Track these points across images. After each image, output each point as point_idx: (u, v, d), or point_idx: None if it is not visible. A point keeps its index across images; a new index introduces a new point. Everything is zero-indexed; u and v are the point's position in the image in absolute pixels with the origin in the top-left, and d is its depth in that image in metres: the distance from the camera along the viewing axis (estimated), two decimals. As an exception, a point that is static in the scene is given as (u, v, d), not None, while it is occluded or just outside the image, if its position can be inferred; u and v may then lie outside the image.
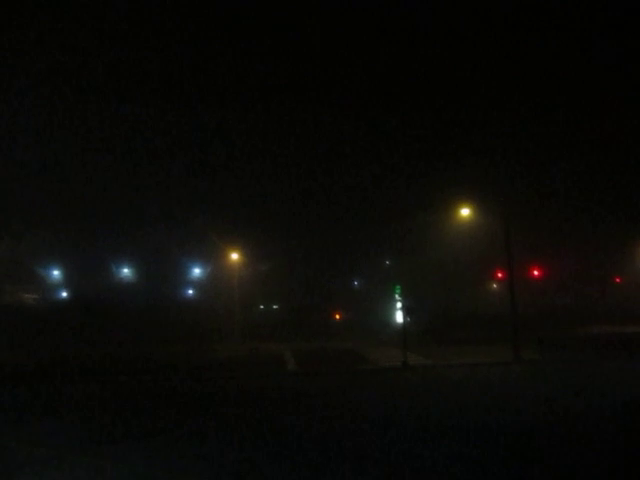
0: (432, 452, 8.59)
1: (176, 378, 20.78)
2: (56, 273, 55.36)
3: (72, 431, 11.41)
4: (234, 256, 41.05)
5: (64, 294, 55.05)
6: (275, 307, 55.50)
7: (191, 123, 55.74)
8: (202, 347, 34.59)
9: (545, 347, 25.35)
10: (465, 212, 27.38)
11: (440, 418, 11.41)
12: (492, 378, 19.26)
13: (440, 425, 10.68)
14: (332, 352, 28.57)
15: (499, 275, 38.39)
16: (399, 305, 42.72)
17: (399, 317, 42.75)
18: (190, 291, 54.68)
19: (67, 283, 54.75)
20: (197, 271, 53.92)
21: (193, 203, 52.18)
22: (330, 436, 9.98)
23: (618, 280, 47.58)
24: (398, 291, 42.49)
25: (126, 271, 54.33)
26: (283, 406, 14.28)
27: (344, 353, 28.40)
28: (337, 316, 44.60)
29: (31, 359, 27.22)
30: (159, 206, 53.50)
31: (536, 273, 35.16)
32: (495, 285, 47.87)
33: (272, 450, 9.13)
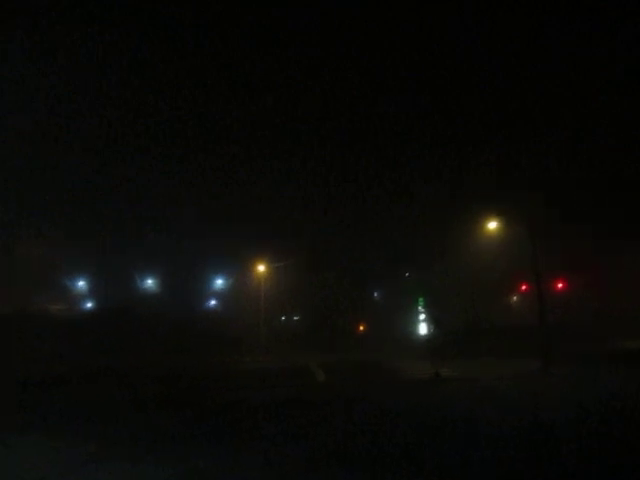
0: (488, 456, 8.92)
1: (215, 388, 21.20)
2: (81, 284, 56.38)
3: (128, 433, 11.86)
4: (260, 268, 41.51)
5: (89, 304, 56.01)
6: (296, 318, 55.96)
7: (219, 138, 56.71)
8: (228, 358, 35.09)
9: (574, 360, 25.36)
10: (492, 225, 27.61)
11: (487, 427, 11.69)
12: (525, 390, 19.36)
13: (489, 433, 10.97)
14: (358, 363, 28.81)
15: (523, 288, 38.48)
16: (422, 317, 43.21)
17: (423, 329, 43.19)
18: (213, 302, 55.37)
19: (92, 294, 55.74)
20: (220, 282, 54.59)
21: (216, 215, 52.87)
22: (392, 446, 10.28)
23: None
24: (422, 303, 42.97)
25: (150, 282, 55.16)
26: (326, 415, 14.59)
27: (371, 364, 28.63)
28: (360, 328, 44.85)
29: (64, 367, 27.87)
30: (183, 217, 54.33)
31: (560, 286, 35.28)
32: (515, 298, 47.84)
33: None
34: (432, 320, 29.25)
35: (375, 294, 53.24)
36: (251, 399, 18.47)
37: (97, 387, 21.79)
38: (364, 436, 11.16)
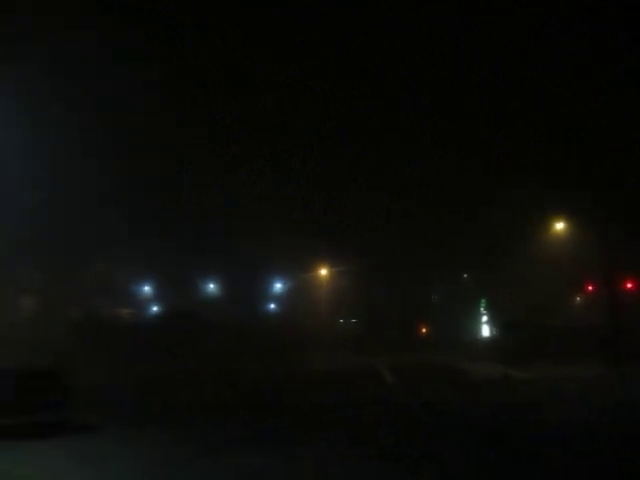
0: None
1: (290, 391, 21.93)
2: (147, 289, 58.67)
3: (219, 432, 12.67)
4: (322, 272, 42.17)
5: (155, 309, 58.19)
6: (354, 321, 56.38)
7: (277, 139, 57.73)
8: (294, 360, 35.90)
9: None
10: (559, 226, 27.34)
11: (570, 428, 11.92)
12: (597, 391, 19.25)
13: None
14: (425, 365, 29.01)
15: (589, 288, 37.69)
16: (485, 318, 42.91)
17: (485, 330, 42.88)
18: (272, 305, 56.44)
19: (157, 298, 57.90)
20: (278, 286, 55.59)
21: (276, 218, 53.81)
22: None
23: None
24: (484, 305, 42.69)
25: (212, 286, 56.79)
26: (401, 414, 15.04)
27: (437, 366, 28.77)
28: (423, 330, 44.87)
29: (144, 370, 29.31)
30: (242, 222, 55.68)
31: (630, 286, 34.37)
32: (579, 298, 46.71)
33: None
34: (500, 322, 29.02)
35: (434, 296, 53.00)
36: (327, 401, 19.12)
37: (187, 390, 22.92)
38: (448, 437, 11.56)
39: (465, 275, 50.90)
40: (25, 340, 45.72)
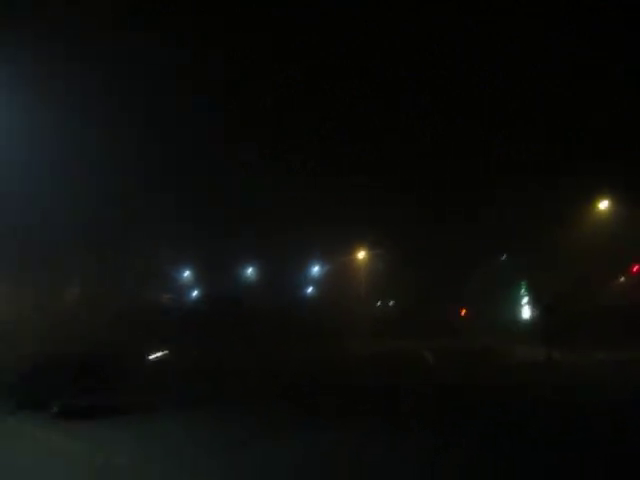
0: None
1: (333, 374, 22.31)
2: (187, 274, 60.02)
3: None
4: (360, 254, 42.32)
5: (194, 294, 59.54)
6: (391, 304, 56.53)
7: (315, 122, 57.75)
8: (333, 345, 36.36)
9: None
10: (603, 205, 26.78)
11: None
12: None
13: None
14: (466, 347, 29.04)
15: (634, 269, 36.88)
16: (525, 300, 42.36)
17: (526, 312, 42.36)
18: (310, 289, 57.01)
19: (197, 283, 59.20)
20: (316, 269, 56.04)
21: (314, 202, 54.01)
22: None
23: None
24: (524, 286, 42.13)
25: (250, 270, 57.67)
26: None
27: (478, 348, 28.75)
28: (462, 313, 44.68)
29: (190, 355, 30.15)
30: (280, 206, 56.15)
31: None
32: (623, 279, 45.61)
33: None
34: (542, 304, 28.69)
35: (473, 278, 52.47)
36: (370, 384, 19.45)
37: (235, 374, 23.57)
38: (498, 420, 11.72)
39: (504, 257, 50.30)
40: (71, 326, 47.51)
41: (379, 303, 54.85)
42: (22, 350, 36.36)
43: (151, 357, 27.27)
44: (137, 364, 15.49)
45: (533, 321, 38.90)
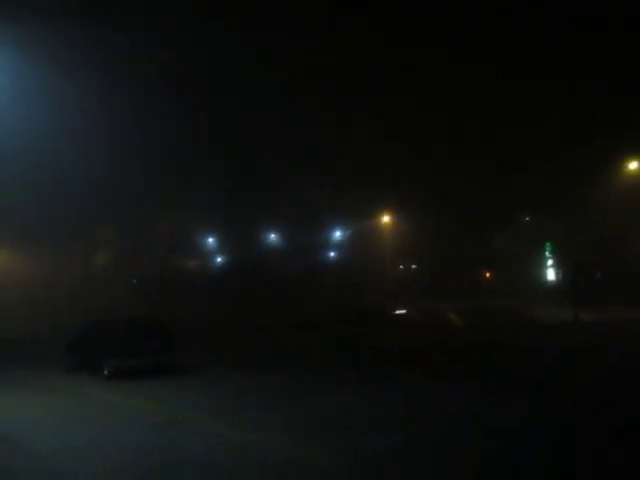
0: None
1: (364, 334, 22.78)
2: (211, 240, 60.79)
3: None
4: (383, 219, 42.42)
5: (219, 260, 60.42)
6: (414, 267, 56.84)
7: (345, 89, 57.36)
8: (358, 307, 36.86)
9: None
10: (633, 165, 26.43)
11: None
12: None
13: None
14: (492, 309, 29.21)
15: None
16: (550, 262, 42.31)
17: (551, 274, 42.37)
18: (332, 253, 57.42)
19: (221, 250, 59.99)
20: (338, 234, 56.31)
21: (338, 166, 54.07)
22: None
23: None
24: (549, 249, 41.99)
25: (273, 236, 58.17)
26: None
27: (504, 310, 28.90)
28: (487, 275, 44.79)
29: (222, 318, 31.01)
30: (303, 172, 56.27)
31: None
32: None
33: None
34: (569, 264, 28.63)
35: (497, 240, 52.35)
36: (399, 343, 19.91)
37: (268, 335, 24.31)
38: (518, 377, 12.05)
39: (527, 218, 49.98)
40: (102, 292, 48.84)
41: (401, 266, 55.12)
42: (64, 316, 37.66)
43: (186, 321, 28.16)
44: (177, 327, 16.06)
45: (558, 282, 38.86)
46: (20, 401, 11.43)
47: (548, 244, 40.60)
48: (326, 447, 7.28)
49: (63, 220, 49.64)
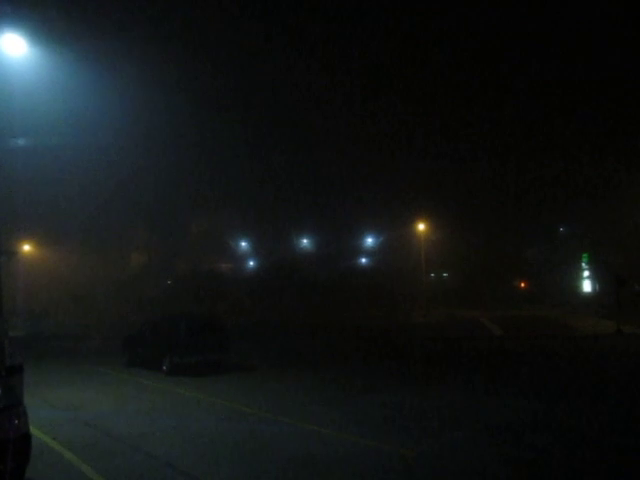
0: None
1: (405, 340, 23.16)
2: (244, 244, 61.75)
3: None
4: (417, 226, 42.64)
5: (251, 263, 61.30)
6: (445, 275, 56.76)
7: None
8: (395, 313, 37.23)
9: None
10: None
11: None
12: None
13: None
14: (530, 319, 29.22)
15: None
16: (587, 273, 41.95)
17: (587, 285, 42.01)
18: (363, 259, 57.79)
19: (254, 253, 60.88)
20: (370, 240, 56.66)
21: (369, 175, 54.53)
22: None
23: None
24: (586, 259, 41.66)
25: (305, 241, 58.81)
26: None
27: (543, 320, 28.91)
28: (522, 284, 44.56)
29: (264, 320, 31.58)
30: (335, 180, 56.80)
31: None
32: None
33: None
34: (608, 276, 28.45)
35: (532, 250, 52.03)
36: (439, 349, 20.23)
37: (312, 337, 24.82)
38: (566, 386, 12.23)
39: (561, 229, 49.62)
40: (138, 292, 50.04)
41: (432, 275, 55.11)
42: (104, 314, 38.69)
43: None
44: (225, 326, 16.61)
45: (595, 294, 38.51)
46: (92, 394, 12.09)
47: (585, 255, 40.30)
48: (397, 439, 7.71)
49: (103, 222, 51.08)
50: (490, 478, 6.21)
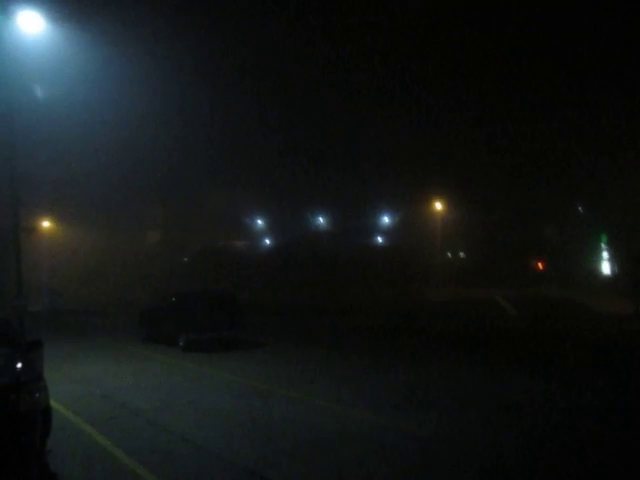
0: None
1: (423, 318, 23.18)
2: (260, 222, 61.95)
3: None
4: (433, 205, 42.31)
5: (267, 241, 61.54)
6: (462, 255, 56.42)
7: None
8: (409, 292, 37.23)
9: None
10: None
11: None
12: None
13: None
14: (546, 299, 28.96)
15: None
16: (606, 254, 41.30)
17: (606, 266, 41.39)
18: (379, 238, 57.67)
19: (270, 231, 61.08)
20: (386, 219, 56.42)
21: (386, 154, 54.10)
22: None
23: None
24: (605, 240, 40.97)
25: (321, 220, 58.77)
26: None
27: (559, 301, 28.63)
28: (539, 265, 44.13)
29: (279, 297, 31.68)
30: (354, 158, 56.47)
31: None
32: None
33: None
34: (628, 256, 27.99)
35: (550, 230, 51.29)
36: (455, 327, 20.20)
37: (328, 315, 24.97)
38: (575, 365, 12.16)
39: (580, 208, 48.79)
40: (154, 269, 50.55)
41: (449, 254, 54.82)
42: (120, 290, 39.19)
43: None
44: (240, 303, 16.71)
45: (614, 275, 38.01)
46: (109, 368, 12.33)
47: (603, 235, 39.69)
48: (410, 417, 7.77)
49: (119, 200, 51.44)
50: (502, 458, 6.23)
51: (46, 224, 43.34)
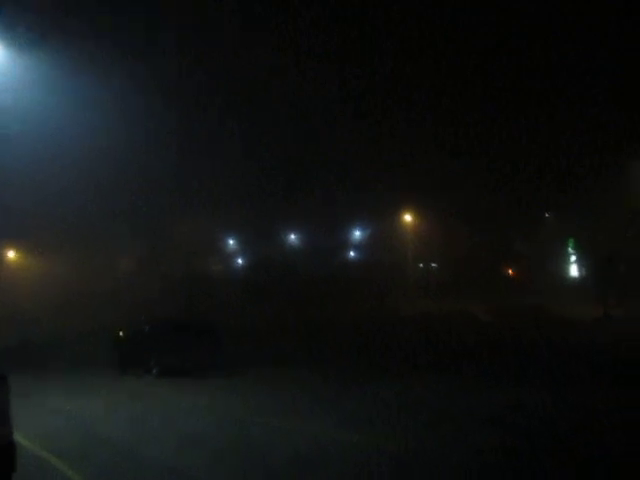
0: None
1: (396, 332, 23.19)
2: (231, 242, 61.44)
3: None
4: (403, 217, 42.70)
5: (240, 261, 61.01)
6: (434, 265, 56.88)
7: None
8: (383, 307, 37.38)
9: None
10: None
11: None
12: None
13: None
14: (518, 306, 29.29)
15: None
16: (573, 259, 42.25)
17: (574, 270, 42.32)
18: (352, 253, 57.74)
19: (242, 251, 60.59)
20: (358, 233, 56.59)
21: (359, 167, 54.18)
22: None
23: None
24: (572, 244, 41.93)
25: (293, 237, 58.62)
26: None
27: (530, 307, 28.90)
28: (510, 272, 44.83)
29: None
30: (323, 172, 56.52)
31: None
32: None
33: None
34: (596, 258, 28.55)
35: (518, 237, 52.01)
36: (426, 339, 20.25)
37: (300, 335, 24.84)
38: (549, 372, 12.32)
39: (547, 214, 49.75)
40: (128, 296, 49.67)
41: (421, 265, 55.18)
42: (94, 320, 38.32)
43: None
44: (215, 328, 16.56)
45: (582, 279, 38.86)
46: (82, 399, 12.07)
47: (571, 240, 40.65)
48: (388, 434, 7.76)
49: (87, 229, 50.54)
50: (477, 473, 6.24)
51: (11, 255, 42.35)
